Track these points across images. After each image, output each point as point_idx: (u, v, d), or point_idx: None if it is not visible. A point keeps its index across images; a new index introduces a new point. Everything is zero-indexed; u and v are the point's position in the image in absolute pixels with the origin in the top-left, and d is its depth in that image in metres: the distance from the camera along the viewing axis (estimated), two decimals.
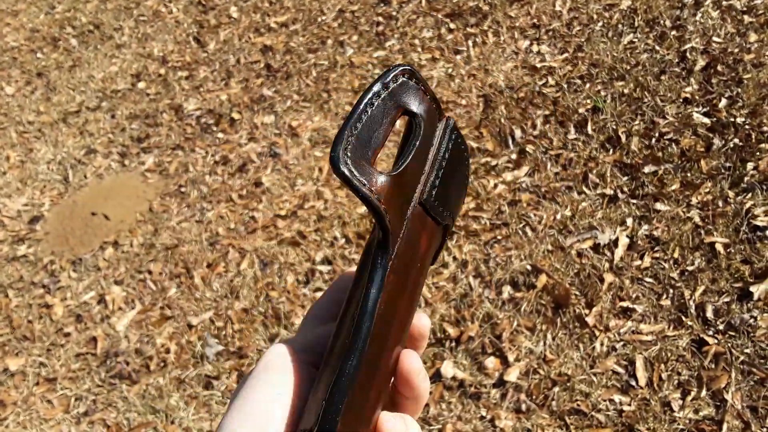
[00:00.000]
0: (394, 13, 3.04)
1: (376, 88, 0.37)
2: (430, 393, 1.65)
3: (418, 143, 0.38)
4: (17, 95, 3.29)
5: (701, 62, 2.30)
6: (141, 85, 3.12)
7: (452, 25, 2.86)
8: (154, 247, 2.31)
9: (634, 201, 1.98)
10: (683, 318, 1.70)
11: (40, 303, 2.22)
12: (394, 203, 0.36)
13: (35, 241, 2.46)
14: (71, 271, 2.30)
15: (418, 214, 0.38)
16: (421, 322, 0.39)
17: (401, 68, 0.39)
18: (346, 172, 0.34)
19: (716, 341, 1.63)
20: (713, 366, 1.60)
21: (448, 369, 1.74)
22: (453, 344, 1.78)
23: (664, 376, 1.61)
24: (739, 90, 2.16)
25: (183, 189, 2.51)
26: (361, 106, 0.36)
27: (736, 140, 2.02)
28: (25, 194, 2.68)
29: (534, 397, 1.64)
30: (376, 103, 0.37)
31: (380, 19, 3.04)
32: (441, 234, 0.42)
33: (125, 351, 2.00)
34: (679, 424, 1.52)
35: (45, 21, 3.85)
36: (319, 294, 2.00)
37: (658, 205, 1.94)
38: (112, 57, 3.39)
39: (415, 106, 0.39)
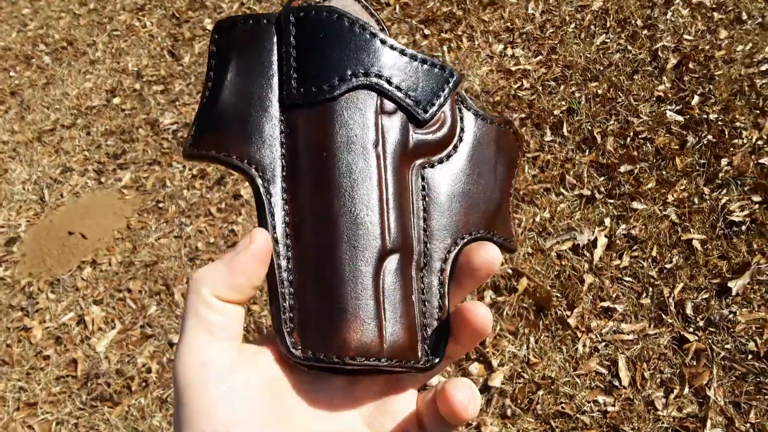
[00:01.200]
0: None
1: (210, 63, 0.43)
2: None
3: (225, 69, 0.42)
4: None
5: (673, 60, 2.32)
6: (116, 100, 3.09)
7: (427, 31, 2.86)
8: (133, 264, 2.28)
9: (612, 201, 1.99)
10: (663, 316, 1.70)
11: (19, 326, 2.18)
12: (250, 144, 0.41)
13: (12, 263, 2.42)
14: (49, 292, 2.27)
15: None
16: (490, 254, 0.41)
17: (216, 24, 0.43)
18: (188, 151, 0.40)
19: (697, 338, 1.64)
20: (695, 363, 1.60)
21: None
22: None
23: (646, 375, 1.62)
24: (711, 87, 2.18)
25: (161, 204, 2.48)
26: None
27: (710, 137, 2.04)
28: (1, 216, 2.64)
29: (519, 401, 1.64)
30: (211, 74, 0.42)
31: None
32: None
33: (106, 372, 1.97)
34: (663, 422, 1.52)
35: (17, 39, 3.81)
36: None
37: (635, 204, 1.95)
38: (86, 73, 3.36)
39: (239, 40, 0.42)
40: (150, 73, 3.19)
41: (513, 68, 2.54)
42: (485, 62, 2.62)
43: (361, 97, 0.41)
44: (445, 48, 2.74)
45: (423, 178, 0.43)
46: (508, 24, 2.75)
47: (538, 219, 2.00)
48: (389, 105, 0.42)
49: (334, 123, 0.41)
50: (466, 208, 0.44)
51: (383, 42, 0.42)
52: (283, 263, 0.40)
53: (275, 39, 0.42)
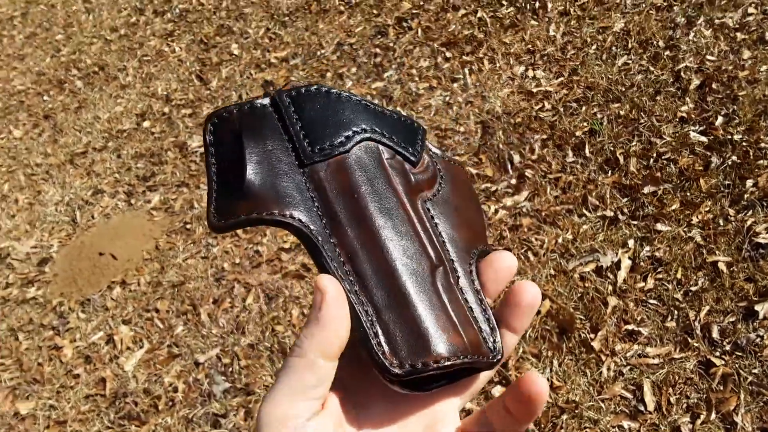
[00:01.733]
0: (391, 44, 3.08)
1: (208, 155, 0.47)
2: None
3: (245, 150, 0.46)
4: (25, 138, 3.36)
5: (696, 81, 2.32)
6: (146, 124, 3.17)
7: (448, 54, 2.89)
8: (161, 284, 2.33)
9: (635, 222, 1.98)
10: (689, 340, 1.69)
11: (50, 345, 2.24)
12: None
13: (44, 283, 2.49)
14: (80, 311, 2.33)
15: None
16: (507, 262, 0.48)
17: (207, 117, 0.48)
18: (216, 224, 0.44)
19: (723, 362, 1.62)
20: (721, 388, 1.59)
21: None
22: None
23: (672, 399, 1.60)
24: (735, 107, 2.17)
25: (188, 226, 2.53)
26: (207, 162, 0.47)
27: (734, 158, 2.03)
28: (34, 236, 2.71)
29: (543, 426, 1.64)
30: (213, 161, 0.47)
31: (378, 50, 3.09)
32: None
33: (134, 391, 2.01)
34: None
35: (51, 64, 3.93)
36: None
37: (659, 226, 1.94)
38: (117, 97, 3.45)
39: (236, 129, 0.47)
40: (179, 97, 3.27)
41: (534, 90, 2.55)
42: (506, 84, 2.64)
43: (366, 147, 0.48)
44: (466, 70, 2.76)
45: (429, 209, 0.50)
46: (529, 46, 2.77)
47: (560, 240, 2.00)
48: (387, 152, 0.49)
49: (354, 169, 0.47)
50: (465, 228, 0.51)
51: (367, 105, 0.50)
52: (354, 297, 0.43)
53: (275, 116, 0.48)
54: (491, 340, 0.46)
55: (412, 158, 0.50)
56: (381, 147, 0.49)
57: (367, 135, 0.48)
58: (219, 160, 0.47)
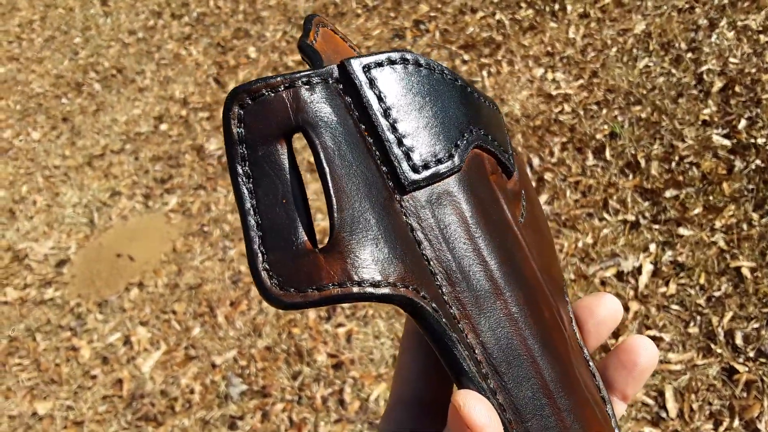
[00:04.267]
0: (408, 47, 3.08)
1: (235, 163, 0.28)
2: None
3: (324, 162, 0.28)
4: (43, 140, 3.38)
5: (718, 84, 2.29)
6: (163, 126, 3.19)
7: (466, 57, 2.88)
8: (178, 287, 2.33)
9: (657, 226, 1.96)
10: (712, 346, 1.66)
11: (67, 346, 2.25)
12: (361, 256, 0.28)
13: (62, 284, 2.50)
14: (97, 313, 2.33)
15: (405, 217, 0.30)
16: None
17: (231, 96, 0.29)
18: (286, 300, 0.27)
19: (747, 369, 1.59)
20: (745, 395, 1.56)
21: None
22: None
23: (695, 406, 1.57)
24: (759, 110, 2.14)
25: (206, 228, 2.54)
26: (240, 194, 0.28)
27: (758, 161, 2.00)
28: (52, 238, 2.73)
29: None
30: (248, 171, 0.28)
31: None
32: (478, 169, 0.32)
33: (151, 392, 2.01)
34: None
35: (69, 67, 3.97)
36: (341, 330, 2.00)
37: (682, 230, 1.92)
38: (134, 100, 3.47)
39: (287, 119, 0.29)
40: (196, 100, 3.29)
41: (554, 92, 2.53)
42: (525, 87, 2.62)
43: (471, 161, 0.32)
44: (484, 73, 2.75)
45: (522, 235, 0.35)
46: (549, 48, 2.75)
47: (580, 244, 1.98)
48: (488, 163, 0.34)
49: (468, 199, 0.31)
50: (553, 258, 0.38)
51: (464, 88, 0.33)
52: (494, 402, 0.29)
53: (347, 101, 0.30)
54: (610, 423, 0.34)
55: (510, 168, 0.35)
56: (485, 156, 0.33)
57: (475, 139, 0.32)
58: (257, 174, 0.28)
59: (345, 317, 2.03)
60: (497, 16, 3.01)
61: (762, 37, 2.40)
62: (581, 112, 2.40)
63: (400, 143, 0.30)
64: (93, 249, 2.62)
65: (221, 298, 2.23)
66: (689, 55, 2.45)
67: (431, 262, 0.29)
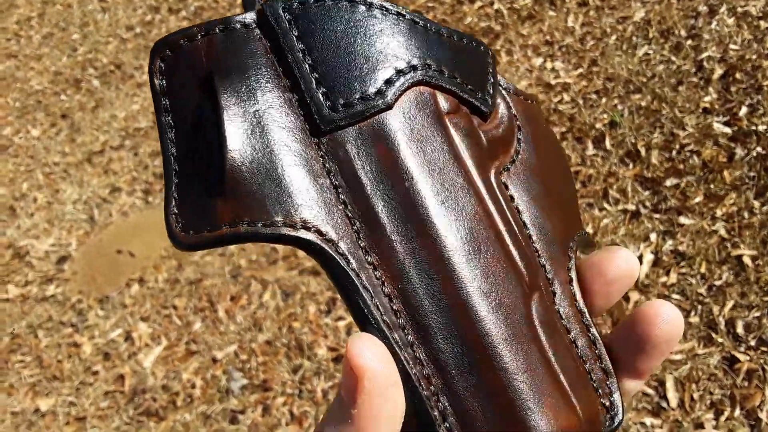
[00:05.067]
0: None
1: (160, 116, 0.29)
2: None
3: (221, 106, 0.28)
4: (43, 137, 3.38)
5: (719, 71, 2.27)
6: None
7: None
8: (179, 282, 2.33)
9: (657, 215, 1.95)
10: (713, 335, 1.65)
11: (69, 342, 2.25)
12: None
13: (63, 281, 2.50)
14: (98, 309, 2.34)
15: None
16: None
17: (153, 50, 0.30)
18: (184, 241, 0.27)
19: (748, 358, 1.58)
20: (746, 384, 1.55)
21: None
22: None
23: (695, 396, 1.57)
24: (760, 97, 2.12)
25: None
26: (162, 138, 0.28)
27: (759, 149, 1.98)
28: (53, 235, 2.73)
29: None
30: (169, 121, 0.29)
31: None
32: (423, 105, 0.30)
33: (152, 388, 2.01)
34: None
35: (68, 63, 3.96)
36: (341, 323, 2.00)
37: (682, 219, 1.90)
38: (133, 96, 3.46)
39: (201, 67, 0.28)
40: None
41: (553, 82, 2.51)
42: (524, 76, 2.60)
43: (414, 98, 0.30)
44: None
45: (506, 187, 0.33)
46: (548, 37, 2.73)
47: None
48: (447, 101, 0.31)
49: (401, 139, 0.29)
50: (557, 209, 0.34)
51: (415, 23, 0.31)
52: (408, 355, 0.28)
53: (266, 46, 0.29)
54: (610, 399, 0.31)
55: (483, 108, 0.32)
56: (438, 94, 0.31)
57: (418, 75, 0.30)
58: (178, 123, 0.29)
59: (344, 310, 2.03)
60: (495, 6, 2.99)
61: (762, 23, 2.38)
62: (581, 102, 2.38)
63: (318, 83, 0.29)
64: (93, 245, 2.62)
65: (221, 293, 2.23)
66: (689, 42, 2.43)
67: (349, 207, 0.29)
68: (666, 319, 0.29)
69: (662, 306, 0.30)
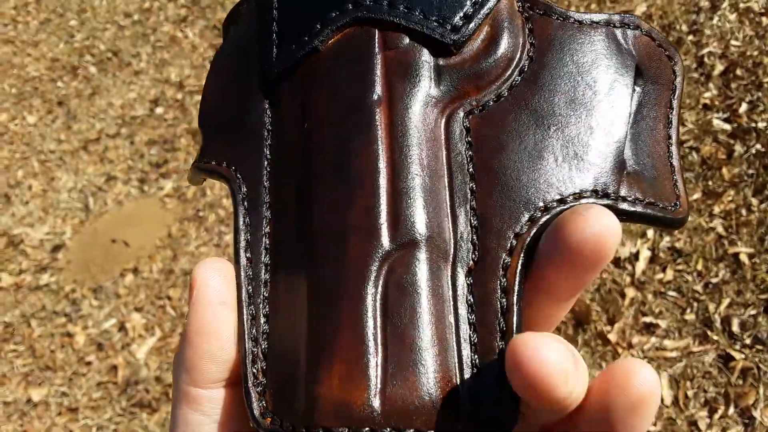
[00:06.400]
0: None
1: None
2: None
3: (212, 67, 0.36)
4: (39, 124, 3.36)
5: (720, 67, 2.25)
6: (159, 110, 3.16)
7: None
8: (173, 272, 2.32)
9: None
10: (708, 332, 1.65)
11: (62, 332, 2.24)
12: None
13: (57, 270, 2.49)
14: (92, 299, 2.33)
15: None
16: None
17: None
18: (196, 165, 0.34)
19: (743, 356, 1.58)
20: (741, 382, 1.55)
21: None
22: None
23: (690, 393, 1.56)
24: (760, 94, 2.10)
25: (201, 213, 2.52)
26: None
27: (759, 146, 1.97)
28: (47, 223, 2.72)
29: None
30: None
31: None
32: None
33: (145, 379, 2.01)
34: None
35: (65, 50, 3.93)
36: None
37: None
38: (130, 83, 3.44)
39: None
40: (192, 83, 3.25)
41: None
42: None
43: (355, 39, 0.29)
44: None
45: (468, 132, 0.28)
46: None
47: None
48: (397, 39, 0.29)
49: (317, 83, 0.29)
50: (563, 161, 0.28)
51: None
52: (250, 290, 0.29)
53: (256, 15, 0.33)
54: (485, 399, 0.25)
55: (446, 39, 0.28)
56: (383, 33, 0.29)
57: (354, 14, 0.28)
58: (211, 75, 0.36)
59: None
60: None
61: (764, 19, 2.36)
62: None
63: (278, 34, 0.30)
64: (88, 234, 2.61)
65: None
66: (690, 37, 2.41)
67: (268, 150, 0.31)
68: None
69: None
